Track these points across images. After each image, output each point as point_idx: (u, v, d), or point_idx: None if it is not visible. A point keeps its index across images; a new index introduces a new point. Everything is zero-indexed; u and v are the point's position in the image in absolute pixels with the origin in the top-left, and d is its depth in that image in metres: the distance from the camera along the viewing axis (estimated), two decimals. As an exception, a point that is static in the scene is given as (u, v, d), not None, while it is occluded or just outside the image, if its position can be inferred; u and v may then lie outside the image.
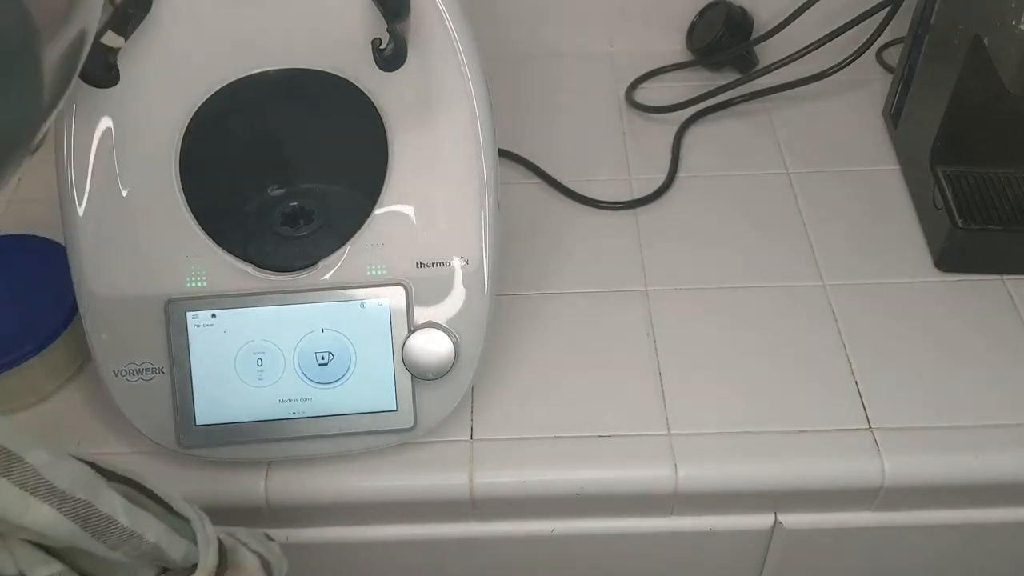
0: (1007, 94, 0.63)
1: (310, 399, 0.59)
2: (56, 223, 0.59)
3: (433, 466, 0.61)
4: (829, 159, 0.82)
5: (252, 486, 0.61)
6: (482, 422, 0.63)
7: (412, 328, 0.58)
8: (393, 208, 0.59)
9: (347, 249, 0.59)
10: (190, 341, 0.58)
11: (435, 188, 0.59)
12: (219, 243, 0.58)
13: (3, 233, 0.71)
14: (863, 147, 0.83)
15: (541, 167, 0.81)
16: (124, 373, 0.58)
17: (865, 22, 0.80)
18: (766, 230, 0.76)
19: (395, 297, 0.58)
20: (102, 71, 0.54)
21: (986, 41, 0.65)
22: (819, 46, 0.80)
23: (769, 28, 0.86)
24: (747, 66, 0.90)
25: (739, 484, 0.61)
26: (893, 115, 0.83)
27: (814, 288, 0.71)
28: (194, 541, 0.46)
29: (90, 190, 0.58)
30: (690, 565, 0.68)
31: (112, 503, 0.42)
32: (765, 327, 0.69)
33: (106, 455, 0.62)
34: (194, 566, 0.46)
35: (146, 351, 0.58)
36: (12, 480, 0.38)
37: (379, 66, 0.53)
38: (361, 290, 0.58)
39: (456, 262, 0.59)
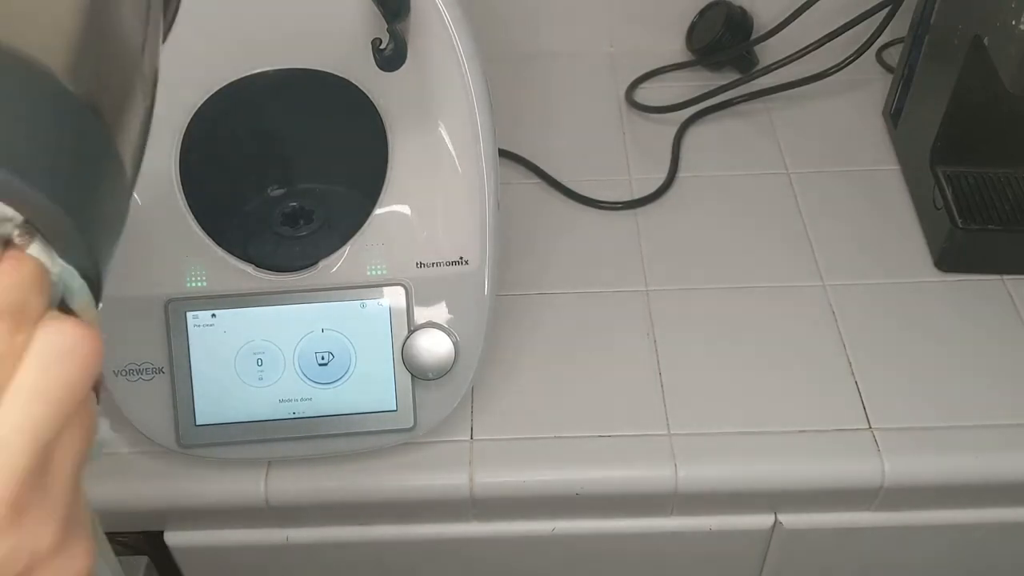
0: (1007, 94, 0.63)
1: (310, 399, 0.59)
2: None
3: (433, 466, 0.61)
4: (829, 159, 0.82)
5: (252, 486, 0.61)
6: (482, 422, 0.63)
7: (412, 328, 0.58)
8: (393, 208, 0.59)
9: (347, 249, 0.59)
10: (190, 341, 0.58)
11: (435, 188, 0.59)
12: (219, 243, 0.58)
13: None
14: (863, 147, 0.83)
15: (541, 167, 0.81)
16: (124, 373, 0.58)
17: (865, 22, 0.80)
18: (766, 230, 0.76)
19: (395, 297, 0.58)
20: None
21: (986, 41, 0.65)
22: (819, 46, 0.80)
23: (769, 28, 0.86)
24: (747, 66, 0.90)
25: (739, 484, 0.61)
26: (893, 115, 0.83)
27: (814, 288, 0.71)
28: None
29: (90, 190, 0.58)
30: (690, 565, 0.68)
31: None
32: (765, 327, 0.69)
33: (106, 455, 0.62)
34: None
35: (146, 351, 0.58)
36: None
37: (379, 66, 0.53)
38: (361, 290, 0.58)
39: (456, 262, 0.59)
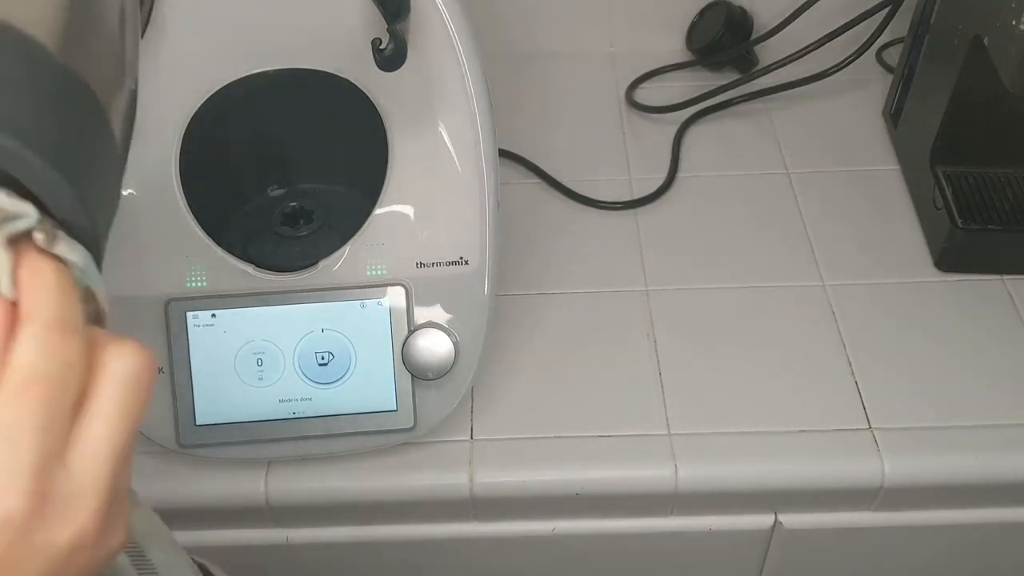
0: (1007, 94, 0.63)
1: (310, 399, 0.59)
2: (56, 223, 0.59)
3: (433, 466, 0.61)
4: (829, 159, 0.82)
5: (252, 486, 0.61)
6: (482, 422, 0.63)
7: (412, 328, 0.58)
8: (393, 208, 0.59)
9: (347, 249, 0.59)
10: (190, 341, 0.58)
11: (435, 188, 0.59)
12: (219, 243, 0.58)
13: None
14: (863, 147, 0.83)
15: (541, 167, 0.81)
16: (124, 373, 0.58)
17: (865, 22, 0.80)
18: (766, 230, 0.76)
19: (395, 297, 0.58)
20: None
21: (986, 41, 0.65)
22: (819, 46, 0.80)
23: (769, 28, 0.86)
24: (747, 66, 0.90)
25: (739, 484, 0.61)
26: (893, 115, 0.83)
27: (814, 288, 0.71)
28: None
29: (90, 190, 0.58)
30: (690, 565, 0.68)
31: None
32: (765, 327, 0.69)
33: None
34: None
35: (146, 351, 0.58)
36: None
37: (379, 66, 0.53)
38: (361, 290, 0.58)
39: (456, 262, 0.59)
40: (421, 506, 0.62)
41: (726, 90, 0.85)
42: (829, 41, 0.80)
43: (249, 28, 0.58)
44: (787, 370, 0.66)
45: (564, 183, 0.79)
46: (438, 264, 0.59)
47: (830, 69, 0.83)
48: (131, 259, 0.58)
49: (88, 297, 0.27)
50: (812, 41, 0.80)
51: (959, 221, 0.70)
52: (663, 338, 0.68)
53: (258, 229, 0.59)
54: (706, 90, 0.85)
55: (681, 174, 0.81)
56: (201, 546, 0.64)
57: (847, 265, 0.73)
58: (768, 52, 0.87)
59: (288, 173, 0.61)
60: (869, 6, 0.80)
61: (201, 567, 0.46)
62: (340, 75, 0.59)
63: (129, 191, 0.58)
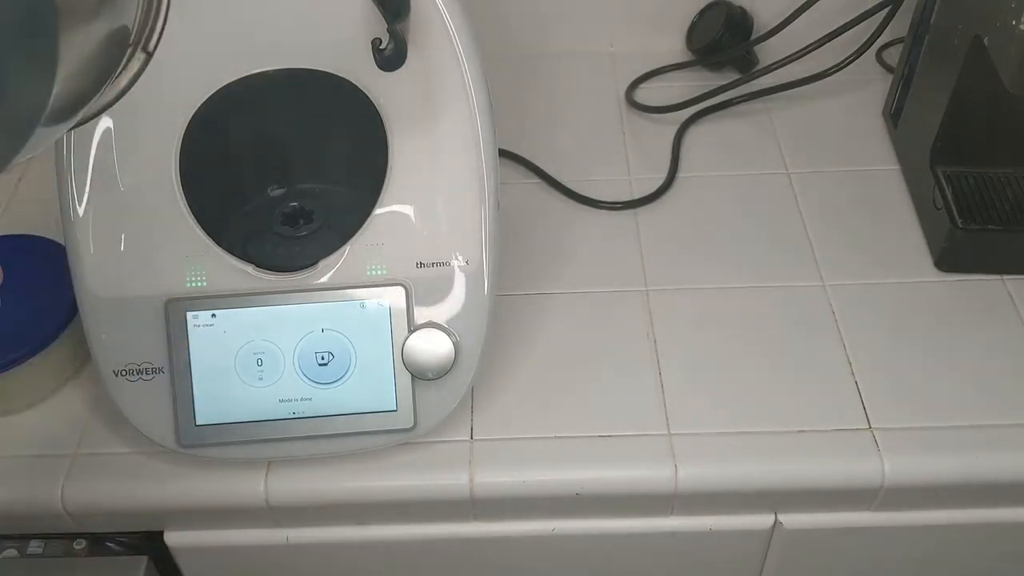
0: (1007, 94, 0.63)
1: (310, 399, 0.59)
2: (56, 223, 0.59)
3: (433, 466, 0.61)
4: (829, 159, 0.82)
5: (252, 486, 0.61)
6: (482, 422, 0.63)
7: (412, 328, 0.58)
8: (393, 208, 0.59)
9: (347, 249, 0.59)
10: (190, 341, 0.58)
11: (435, 188, 0.59)
12: (219, 243, 0.58)
13: (3, 233, 0.71)
14: (863, 147, 0.83)
15: (541, 167, 0.81)
16: (124, 373, 0.58)
17: (865, 22, 0.80)
18: (766, 230, 0.76)
19: (395, 297, 0.58)
20: None
21: (986, 41, 0.65)
22: (819, 46, 0.80)
23: (769, 28, 0.86)
24: (747, 66, 0.90)
25: (739, 484, 0.61)
26: (893, 115, 0.83)
27: (814, 288, 0.71)
28: None
29: (90, 190, 0.58)
30: (690, 565, 0.68)
31: None
32: (765, 327, 0.69)
33: (106, 455, 0.62)
34: None
35: (146, 351, 0.58)
36: None
37: (379, 66, 0.53)
38: (361, 290, 0.58)
39: (456, 262, 0.59)
40: (421, 506, 0.62)
41: (726, 90, 0.85)
42: (829, 41, 0.80)
43: (249, 28, 0.58)
44: (787, 370, 0.66)
45: (564, 183, 0.79)
46: (438, 264, 0.59)
47: (830, 69, 0.83)
48: (131, 259, 0.58)
49: None
50: (812, 41, 0.80)
51: (959, 221, 0.70)
52: (663, 338, 0.68)
53: (258, 229, 0.59)
54: (706, 90, 0.85)
55: (681, 174, 0.81)
56: (201, 546, 0.65)
57: (847, 265, 0.73)
58: (768, 52, 0.87)
59: (288, 173, 0.61)
60: (869, 6, 0.80)
61: None
62: (340, 75, 0.59)
63: (129, 191, 0.58)
